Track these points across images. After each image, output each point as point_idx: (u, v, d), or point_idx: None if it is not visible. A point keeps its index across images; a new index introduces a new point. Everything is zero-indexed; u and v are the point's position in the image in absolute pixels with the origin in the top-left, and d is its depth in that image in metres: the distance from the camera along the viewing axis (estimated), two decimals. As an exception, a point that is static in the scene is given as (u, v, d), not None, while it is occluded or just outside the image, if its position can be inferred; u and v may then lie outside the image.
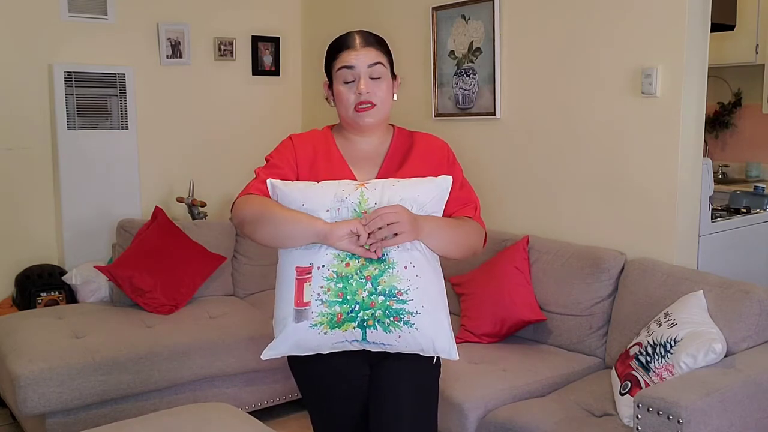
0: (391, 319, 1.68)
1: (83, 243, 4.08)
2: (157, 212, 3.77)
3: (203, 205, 4.28)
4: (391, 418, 1.86)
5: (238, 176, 4.52)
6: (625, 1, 3.02)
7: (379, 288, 1.67)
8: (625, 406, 2.39)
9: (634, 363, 2.48)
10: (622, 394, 2.45)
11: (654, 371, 2.38)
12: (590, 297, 2.99)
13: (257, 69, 4.73)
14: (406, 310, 1.68)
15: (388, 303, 1.67)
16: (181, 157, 4.48)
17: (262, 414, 3.32)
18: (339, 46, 1.89)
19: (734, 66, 4.86)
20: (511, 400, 2.63)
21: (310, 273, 1.68)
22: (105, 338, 3.12)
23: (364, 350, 1.84)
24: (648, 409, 2.13)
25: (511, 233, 3.45)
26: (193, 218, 4.23)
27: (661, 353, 2.39)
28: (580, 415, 2.47)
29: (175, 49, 4.40)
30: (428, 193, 1.77)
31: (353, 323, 1.68)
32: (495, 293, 3.12)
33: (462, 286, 3.35)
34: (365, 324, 1.68)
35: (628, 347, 2.58)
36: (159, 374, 3.07)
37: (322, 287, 1.67)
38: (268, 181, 1.81)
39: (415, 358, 1.86)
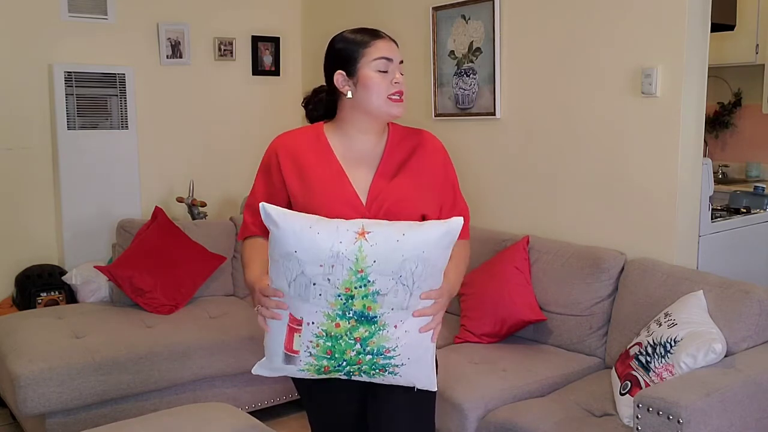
0: (377, 371, 1.70)
1: (83, 243, 4.09)
2: (157, 212, 3.77)
3: (203, 205, 4.28)
4: (389, 419, 1.86)
5: (238, 176, 4.56)
6: (625, 1, 3.02)
7: (368, 348, 1.65)
8: (625, 406, 2.39)
9: (634, 363, 2.48)
10: (622, 394, 2.45)
11: (654, 371, 2.38)
12: (590, 297, 2.99)
13: (257, 69, 4.74)
14: (393, 363, 1.68)
15: (375, 360, 1.67)
16: (181, 157, 4.48)
17: (262, 414, 3.32)
18: (369, 37, 1.85)
19: (734, 66, 4.86)
20: (511, 400, 2.63)
21: (301, 325, 1.65)
22: (105, 338, 3.12)
23: None
24: (648, 409, 2.13)
25: (511, 233, 3.45)
26: (193, 218, 4.23)
27: (661, 353, 2.39)
28: (580, 415, 2.47)
29: (175, 49, 4.40)
30: (436, 247, 1.62)
31: (340, 373, 1.71)
32: (495, 293, 3.12)
33: (462, 286, 3.31)
34: (351, 374, 1.71)
35: (628, 347, 2.58)
36: (159, 374, 3.07)
37: (311, 342, 1.65)
38: (262, 208, 1.67)
39: None
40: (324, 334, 1.63)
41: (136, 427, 2.28)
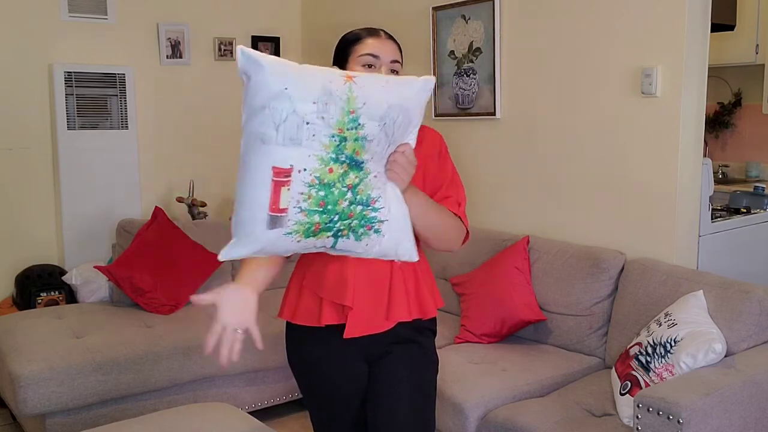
0: (365, 228, 1.65)
1: (83, 243, 4.09)
2: (157, 212, 3.77)
3: (203, 205, 4.28)
4: (389, 415, 1.87)
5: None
6: (624, 1, 3.03)
7: (358, 197, 1.61)
8: (625, 406, 2.39)
9: (634, 363, 2.48)
10: (622, 394, 2.45)
11: (654, 371, 2.38)
12: (590, 297, 2.99)
13: (257, 69, 4.73)
14: (378, 218, 1.65)
15: (364, 213, 1.63)
16: (181, 157, 4.48)
17: (262, 414, 3.32)
18: (362, 34, 1.87)
19: (734, 66, 4.86)
20: (511, 400, 2.63)
21: (290, 176, 1.54)
22: (105, 338, 3.12)
23: (363, 347, 1.85)
24: (648, 409, 2.13)
25: (511, 233, 3.45)
26: (193, 218, 4.24)
27: (661, 353, 2.39)
28: (580, 415, 2.47)
29: (175, 49, 4.40)
30: (414, 100, 1.65)
31: (329, 233, 1.62)
32: (495, 293, 3.12)
33: (462, 286, 3.35)
34: (340, 234, 1.64)
35: (628, 347, 2.58)
36: (159, 374, 3.07)
37: (302, 194, 1.55)
38: (240, 51, 1.60)
39: (414, 354, 1.88)
40: (317, 181, 1.55)
41: (136, 427, 2.28)
